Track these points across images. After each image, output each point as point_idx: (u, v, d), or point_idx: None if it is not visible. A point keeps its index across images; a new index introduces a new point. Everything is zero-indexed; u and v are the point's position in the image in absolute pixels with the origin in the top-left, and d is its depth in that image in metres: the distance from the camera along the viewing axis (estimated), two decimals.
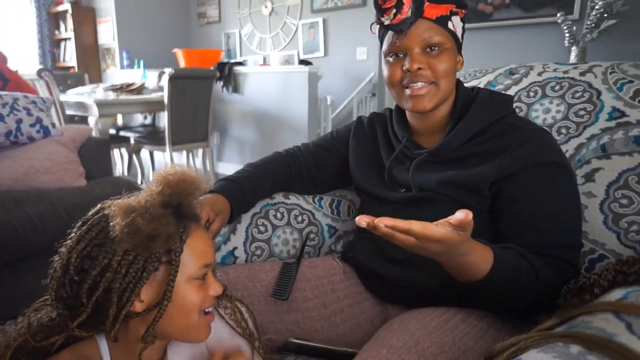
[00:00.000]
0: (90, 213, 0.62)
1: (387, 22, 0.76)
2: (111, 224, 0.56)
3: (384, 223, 0.56)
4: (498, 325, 0.74)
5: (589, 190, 0.87)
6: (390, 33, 0.78)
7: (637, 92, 0.90)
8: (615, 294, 0.55)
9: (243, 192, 0.93)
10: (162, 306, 0.57)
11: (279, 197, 1.05)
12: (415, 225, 0.56)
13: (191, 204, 0.62)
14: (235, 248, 0.97)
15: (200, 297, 0.60)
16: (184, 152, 3.98)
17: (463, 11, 0.79)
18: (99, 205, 0.62)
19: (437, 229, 0.55)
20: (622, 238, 0.83)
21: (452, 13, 0.77)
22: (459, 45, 0.81)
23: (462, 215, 0.54)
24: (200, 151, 3.85)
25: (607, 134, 0.89)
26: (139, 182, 3.76)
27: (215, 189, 0.91)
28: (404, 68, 0.77)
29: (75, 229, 0.61)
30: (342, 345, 0.81)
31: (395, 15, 0.74)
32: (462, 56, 0.84)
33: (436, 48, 0.76)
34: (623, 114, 0.89)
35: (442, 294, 0.77)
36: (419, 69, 0.75)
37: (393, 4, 0.74)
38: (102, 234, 0.58)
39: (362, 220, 0.56)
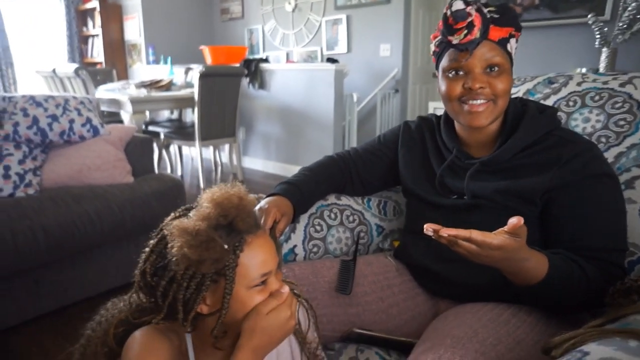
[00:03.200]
0: (159, 228, 0.67)
1: (455, 42, 0.79)
2: (168, 245, 0.62)
3: (447, 232, 0.64)
4: (545, 320, 0.81)
5: (629, 196, 0.93)
6: (452, 50, 0.82)
7: None
8: None
9: (303, 194, 1.01)
10: (222, 315, 0.62)
11: (331, 199, 1.14)
12: (476, 234, 0.63)
13: (246, 219, 0.64)
14: (295, 246, 1.06)
15: (261, 299, 0.65)
16: (211, 147, 4.10)
17: (519, 33, 0.84)
18: (164, 221, 0.67)
19: (496, 236, 0.63)
20: None
21: (511, 35, 0.81)
22: (512, 66, 0.86)
23: (514, 220, 0.61)
24: (227, 146, 3.96)
25: None
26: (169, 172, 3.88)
27: (279, 192, 0.99)
28: (466, 86, 0.82)
29: (151, 239, 0.68)
30: (399, 335, 0.89)
31: (465, 35, 0.78)
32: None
33: (496, 68, 0.81)
34: None
35: (490, 291, 0.84)
36: (481, 87, 0.81)
37: (464, 25, 0.77)
38: (165, 250, 0.63)
39: (429, 229, 0.64)
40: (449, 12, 0.79)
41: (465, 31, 0.77)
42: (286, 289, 0.66)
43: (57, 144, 1.84)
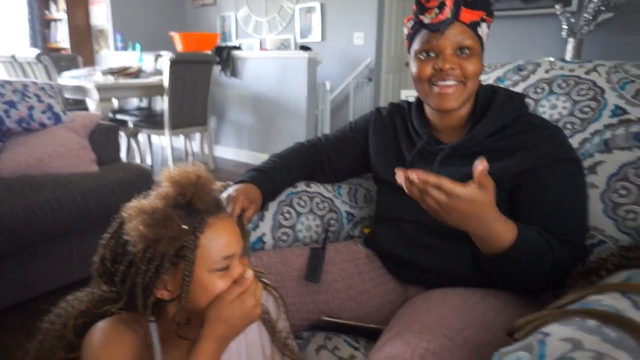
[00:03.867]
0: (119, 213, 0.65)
1: (426, 21, 0.80)
2: (125, 227, 0.60)
3: (417, 175, 0.64)
4: (513, 303, 0.82)
5: (591, 181, 0.95)
6: (424, 32, 0.82)
7: (639, 91, 0.97)
8: (620, 276, 0.63)
9: (272, 181, 0.99)
10: (182, 298, 0.61)
11: (301, 186, 1.12)
12: (445, 181, 0.64)
13: (205, 198, 0.63)
14: (263, 234, 1.03)
15: (224, 284, 0.63)
16: (182, 136, 4.01)
17: (491, 19, 0.84)
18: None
19: (466, 187, 0.64)
20: (620, 225, 0.91)
21: (482, 20, 0.82)
22: (482, 51, 0.86)
23: (478, 164, 0.64)
24: (198, 135, 3.88)
25: (610, 130, 0.97)
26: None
27: (247, 179, 0.97)
28: (436, 67, 0.82)
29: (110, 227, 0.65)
30: (368, 322, 0.89)
31: (436, 15, 0.79)
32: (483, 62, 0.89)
33: (467, 51, 0.81)
34: (625, 112, 0.97)
35: (459, 276, 0.85)
36: (451, 68, 0.81)
37: (436, 4, 0.78)
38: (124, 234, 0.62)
39: (400, 173, 0.66)
40: None
41: (437, 10, 0.78)
42: (250, 275, 0.64)
43: (15, 131, 1.76)
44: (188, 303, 0.62)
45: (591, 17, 2.21)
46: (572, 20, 2.31)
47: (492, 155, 0.84)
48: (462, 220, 0.68)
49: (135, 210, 0.60)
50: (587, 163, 0.97)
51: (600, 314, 0.52)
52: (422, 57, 0.84)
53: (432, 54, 0.83)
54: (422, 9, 0.81)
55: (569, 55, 2.35)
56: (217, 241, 0.63)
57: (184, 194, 0.62)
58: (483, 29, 0.83)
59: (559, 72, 1.10)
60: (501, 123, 0.85)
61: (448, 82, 0.82)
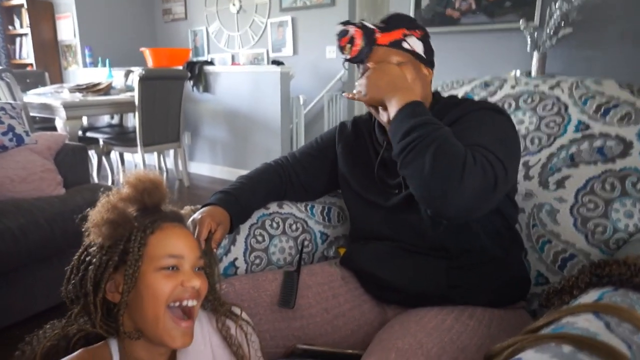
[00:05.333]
0: None
1: (348, 57, 0.88)
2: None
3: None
4: (487, 323, 0.81)
5: (560, 196, 0.97)
6: (356, 65, 0.90)
7: (599, 107, 1.00)
8: (592, 295, 0.64)
9: (239, 202, 0.97)
10: (125, 292, 0.63)
11: (273, 207, 1.10)
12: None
13: (151, 192, 0.68)
14: (235, 259, 1.01)
15: (169, 286, 0.63)
16: (155, 153, 3.93)
17: (418, 32, 0.90)
18: None
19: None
20: (589, 238, 0.93)
21: (406, 35, 0.88)
22: (423, 60, 0.90)
23: None
24: (172, 152, 3.81)
25: (575, 145, 0.99)
26: (109, 183, 3.68)
27: (213, 202, 0.94)
28: None
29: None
30: (345, 347, 0.87)
31: (350, 49, 0.86)
32: (431, 69, 0.92)
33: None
34: (587, 127, 0.99)
35: (435, 295, 0.85)
36: None
37: (347, 40, 0.86)
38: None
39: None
40: (336, 35, 0.89)
41: (349, 45, 0.86)
42: (196, 284, 0.65)
43: None
44: (133, 305, 0.64)
45: (552, 32, 2.28)
46: (536, 35, 2.38)
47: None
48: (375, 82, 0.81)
49: (96, 207, 0.66)
50: (555, 177, 0.99)
51: (574, 338, 0.52)
52: None
53: None
54: (340, 49, 0.89)
55: (534, 69, 2.42)
56: (166, 241, 0.66)
57: (135, 189, 0.67)
58: (412, 43, 0.88)
59: (524, 87, 1.12)
60: (446, 110, 0.87)
61: None
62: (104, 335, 0.66)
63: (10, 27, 5.12)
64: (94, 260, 0.64)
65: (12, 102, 1.91)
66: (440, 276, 0.85)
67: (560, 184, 0.98)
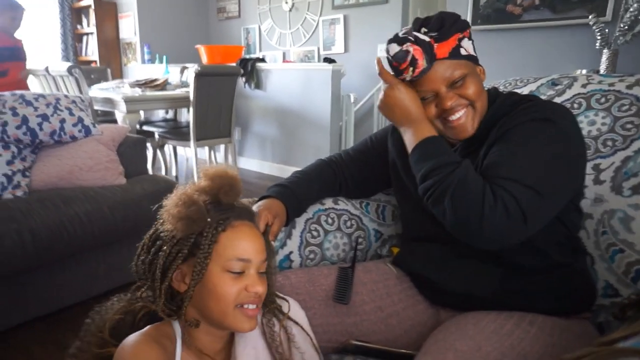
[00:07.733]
0: None
1: (408, 79, 0.81)
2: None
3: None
4: (548, 331, 0.77)
5: (636, 202, 0.90)
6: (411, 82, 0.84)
7: None
8: None
9: (295, 195, 0.98)
10: (191, 286, 0.65)
11: (329, 203, 1.10)
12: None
13: (227, 191, 0.69)
14: (291, 252, 1.02)
15: (235, 290, 0.65)
16: (206, 148, 4.05)
17: (467, 31, 0.83)
18: None
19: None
20: None
21: (460, 40, 0.81)
22: (476, 61, 0.85)
23: None
24: (222, 146, 3.91)
25: None
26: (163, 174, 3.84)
27: (270, 194, 0.96)
28: (439, 107, 0.82)
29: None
30: (398, 346, 0.86)
31: (413, 71, 0.79)
32: (481, 65, 0.87)
33: (460, 81, 0.81)
34: None
35: (491, 300, 0.82)
36: (453, 103, 0.81)
37: (408, 63, 0.78)
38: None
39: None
40: (389, 57, 0.81)
41: (411, 68, 0.79)
42: (259, 290, 0.66)
43: (47, 144, 1.80)
44: (197, 298, 0.66)
45: (627, 27, 2.13)
46: (607, 30, 2.23)
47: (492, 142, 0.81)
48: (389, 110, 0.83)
49: (171, 198, 0.67)
50: (631, 182, 0.92)
51: None
52: (422, 101, 0.84)
53: (430, 97, 0.83)
54: (398, 72, 0.82)
55: (603, 67, 2.27)
56: (236, 241, 0.67)
57: (212, 184, 0.68)
58: (466, 46, 0.82)
59: (597, 86, 1.06)
60: (501, 113, 0.83)
61: (457, 115, 0.82)
62: (164, 317, 0.69)
63: (79, 27, 5.45)
64: (165, 247, 0.66)
65: (80, 95, 2.03)
66: (496, 282, 0.82)
67: (636, 189, 0.91)
